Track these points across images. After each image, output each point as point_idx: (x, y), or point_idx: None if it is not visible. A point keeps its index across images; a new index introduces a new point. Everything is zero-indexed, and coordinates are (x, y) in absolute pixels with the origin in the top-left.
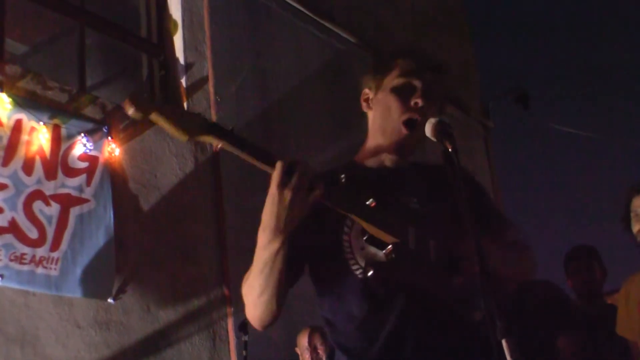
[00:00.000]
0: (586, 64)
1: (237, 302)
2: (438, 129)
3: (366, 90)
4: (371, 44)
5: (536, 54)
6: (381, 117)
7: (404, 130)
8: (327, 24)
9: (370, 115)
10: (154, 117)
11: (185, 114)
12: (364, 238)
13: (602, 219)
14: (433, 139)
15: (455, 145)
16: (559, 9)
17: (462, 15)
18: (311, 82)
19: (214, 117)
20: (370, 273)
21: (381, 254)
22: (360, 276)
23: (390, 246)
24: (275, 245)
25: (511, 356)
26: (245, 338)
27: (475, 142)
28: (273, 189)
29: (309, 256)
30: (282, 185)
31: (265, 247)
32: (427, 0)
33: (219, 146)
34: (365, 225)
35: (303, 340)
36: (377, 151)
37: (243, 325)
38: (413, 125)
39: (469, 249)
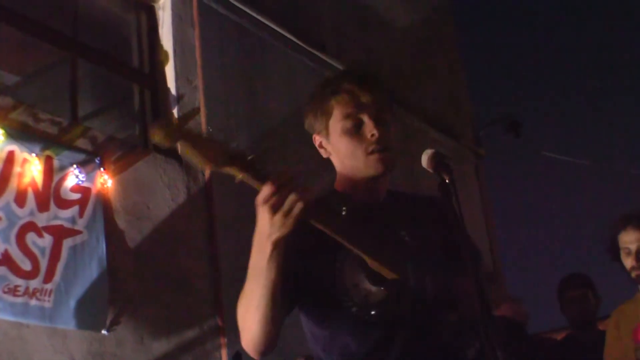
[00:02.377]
0: (578, 91)
1: (231, 333)
2: (435, 161)
3: (316, 137)
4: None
5: (527, 82)
6: (348, 159)
7: (380, 168)
8: (318, 54)
9: (333, 159)
10: (180, 145)
11: (210, 143)
12: (364, 273)
13: (594, 245)
14: (430, 170)
15: (452, 177)
16: (549, 37)
17: (453, 43)
18: (302, 112)
19: None
20: (373, 313)
21: (374, 289)
22: (355, 314)
23: (389, 283)
24: (268, 248)
25: None
26: None
27: (466, 169)
28: (257, 205)
29: (301, 291)
30: (263, 202)
31: (260, 250)
32: (418, 28)
33: (239, 178)
34: (368, 259)
35: None
36: (355, 183)
37: (237, 356)
38: (386, 166)
39: (463, 283)
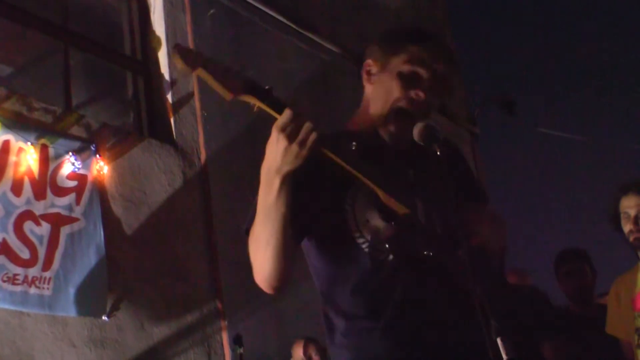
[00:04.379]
0: (571, 67)
1: (231, 316)
2: (425, 133)
3: (370, 62)
4: (355, 54)
5: (520, 59)
6: (381, 97)
7: (392, 118)
8: (310, 36)
9: (369, 89)
10: (199, 72)
11: (228, 72)
12: (375, 209)
13: (591, 220)
14: (421, 142)
15: (443, 149)
16: (541, 13)
17: (445, 23)
18: (296, 94)
19: (200, 132)
20: (387, 246)
21: (385, 225)
22: (366, 249)
23: (401, 219)
24: (277, 182)
25: (507, 354)
26: (240, 351)
27: (462, 148)
28: (273, 132)
29: (313, 226)
30: (281, 129)
31: (269, 185)
32: (411, 10)
33: (257, 107)
34: (380, 193)
35: (298, 351)
36: (372, 123)
37: (238, 338)
38: (404, 117)
39: (464, 227)
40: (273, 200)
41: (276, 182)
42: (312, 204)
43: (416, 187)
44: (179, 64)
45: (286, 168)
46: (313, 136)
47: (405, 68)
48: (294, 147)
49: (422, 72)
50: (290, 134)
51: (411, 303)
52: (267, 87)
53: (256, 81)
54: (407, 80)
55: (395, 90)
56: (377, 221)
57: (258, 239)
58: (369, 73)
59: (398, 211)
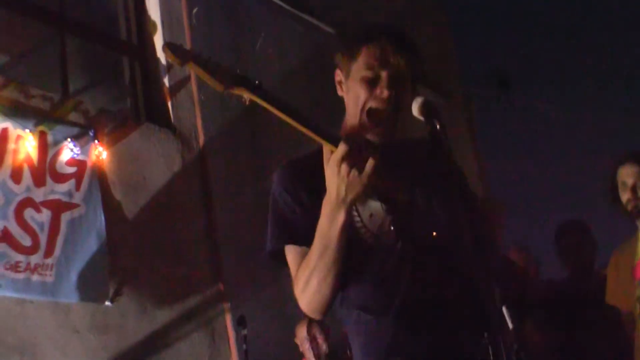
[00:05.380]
0: (567, 44)
1: (234, 297)
2: (424, 108)
3: (338, 72)
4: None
5: (516, 36)
6: (353, 103)
7: (366, 121)
8: (306, 18)
9: (345, 99)
10: (190, 65)
11: (219, 66)
12: (376, 198)
13: (590, 197)
14: (420, 118)
15: (442, 123)
16: None
17: (440, 2)
18: (293, 77)
19: (198, 116)
20: (392, 228)
21: (388, 217)
22: (372, 240)
23: (401, 207)
24: (342, 212)
25: (512, 322)
26: (244, 332)
27: (458, 127)
28: (332, 164)
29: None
30: (341, 161)
31: (332, 217)
32: None
33: (249, 100)
34: (379, 181)
35: (302, 331)
36: (354, 129)
37: (241, 320)
38: (377, 116)
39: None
40: (337, 231)
41: (341, 212)
42: (313, 210)
43: (414, 178)
44: (170, 58)
45: (351, 196)
46: (372, 161)
47: (366, 73)
48: (356, 175)
49: (381, 71)
50: (350, 163)
51: (419, 290)
52: (257, 82)
53: (246, 75)
54: (370, 82)
55: (362, 95)
56: (380, 212)
57: (314, 268)
58: (339, 83)
59: (397, 197)
